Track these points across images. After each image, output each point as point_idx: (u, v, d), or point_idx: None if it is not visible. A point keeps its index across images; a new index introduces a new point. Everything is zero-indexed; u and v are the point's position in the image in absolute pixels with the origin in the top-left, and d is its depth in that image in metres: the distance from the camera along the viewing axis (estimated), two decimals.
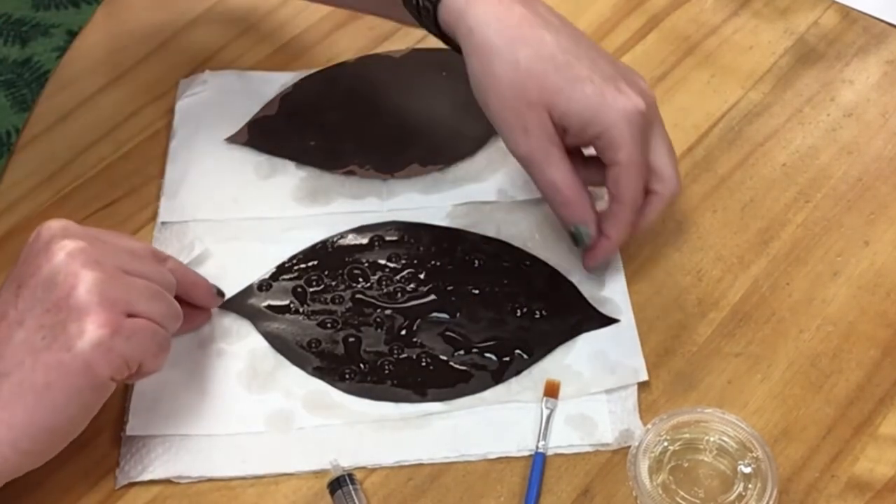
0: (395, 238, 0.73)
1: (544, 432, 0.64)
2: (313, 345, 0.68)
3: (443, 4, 0.67)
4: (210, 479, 0.64)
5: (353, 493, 0.62)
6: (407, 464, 0.64)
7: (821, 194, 0.77)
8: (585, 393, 0.66)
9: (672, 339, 0.69)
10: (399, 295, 0.70)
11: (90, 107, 0.84)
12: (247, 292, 0.70)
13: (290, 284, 0.71)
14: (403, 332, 0.68)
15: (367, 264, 0.72)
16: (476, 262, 0.72)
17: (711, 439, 0.62)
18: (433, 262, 0.72)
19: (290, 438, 0.65)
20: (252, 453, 0.64)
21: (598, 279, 0.71)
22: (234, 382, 0.67)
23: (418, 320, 0.69)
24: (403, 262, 0.72)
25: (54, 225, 0.60)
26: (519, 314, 0.69)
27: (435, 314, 0.69)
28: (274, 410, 0.66)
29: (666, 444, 0.62)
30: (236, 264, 0.72)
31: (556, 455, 0.64)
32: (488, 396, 0.66)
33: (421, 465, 0.64)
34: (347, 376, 0.67)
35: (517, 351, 0.68)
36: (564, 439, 0.64)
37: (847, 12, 0.89)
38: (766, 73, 0.85)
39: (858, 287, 0.72)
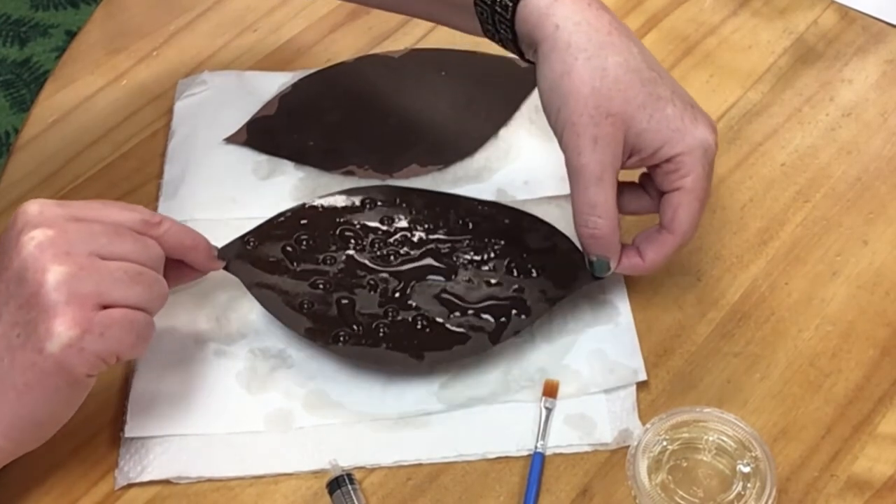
0: (386, 200, 0.72)
1: (543, 432, 0.64)
2: (305, 305, 0.67)
3: (524, 2, 0.64)
4: (209, 480, 0.64)
5: (352, 492, 0.62)
6: (406, 464, 0.64)
7: (820, 194, 0.77)
8: (584, 392, 0.66)
9: (671, 339, 0.69)
10: (392, 258, 0.70)
11: (89, 107, 0.84)
12: (234, 246, 0.68)
13: (280, 243, 0.69)
14: (398, 295, 0.68)
15: (358, 226, 0.71)
16: (470, 223, 0.71)
17: (710, 439, 0.62)
18: (427, 225, 0.71)
19: (290, 438, 0.65)
20: (251, 453, 0.64)
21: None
22: (233, 382, 0.67)
23: (413, 283, 0.68)
24: (396, 225, 0.71)
25: (30, 209, 0.58)
26: (515, 273, 0.69)
27: (430, 277, 0.69)
28: (273, 410, 0.66)
29: (665, 443, 0.62)
30: None
31: (555, 455, 0.64)
32: (486, 395, 0.66)
33: (420, 464, 0.64)
34: (342, 339, 0.66)
35: (514, 311, 0.67)
36: (563, 439, 0.64)
37: (846, 12, 0.89)
38: (765, 72, 0.85)
39: (857, 286, 0.72)
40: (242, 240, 0.69)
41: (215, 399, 0.66)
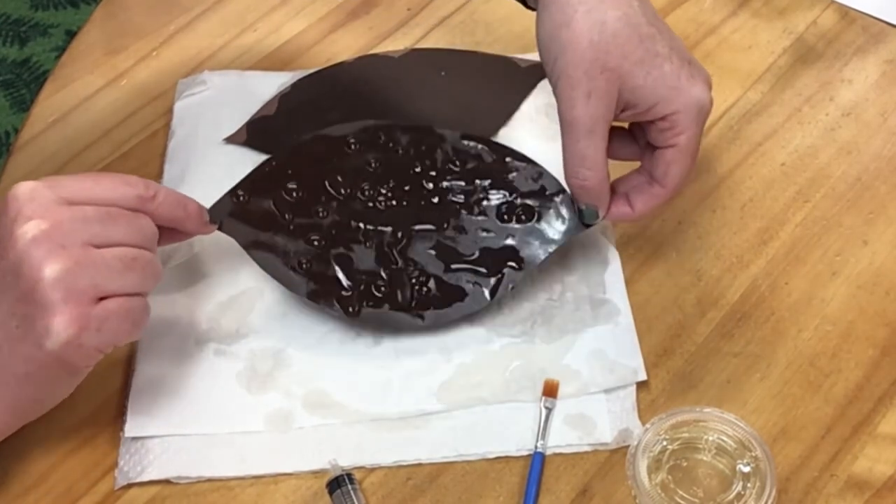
0: (371, 140, 0.71)
1: (543, 432, 0.64)
2: (303, 265, 0.67)
3: None
4: (209, 480, 0.64)
5: (351, 492, 0.62)
6: (406, 463, 0.64)
7: (820, 194, 0.77)
8: (584, 392, 0.66)
9: (671, 339, 0.69)
10: (384, 206, 0.69)
11: (89, 107, 0.84)
12: (224, 203, 0.68)
13: (270, 196, 0.68)
14: (394, 249, 0.68)
15: (347, 172, 0.70)
16: (458, 163, 0.71)
17: (710, 439, 0.62)
18: (415, 169, 0.71)
19: (290, 438, 0.65)
20: (251, 453, 0.64)
21: (598, 279, 0.71)
22: (233, 382, 0.67)
23: (408, 235, 0.68)
24: (385, 168, 0.70)
25: (21, 193, 0.57)
26: (507, 219, 0.69)
27: (422, 226, 0.69)
28: (273, 410, 0.66)
29: (665, 443, 0.62)
30: (234, 263, 0.72)
31: (555, 454, 0.64)
32: (486, 395, 0.66)
33: (420, 464, 0.64)
34: (344, 301, 0.66)
35: (510, 263, 0.68)
36: (563, 439, 0.64)
37: (846, 12, 0.89)
38: (764, 72, 0.85)
39: (857, 286, 0.72)
40: (231, 195, 0.68)
41: (215, 399, 0.66)
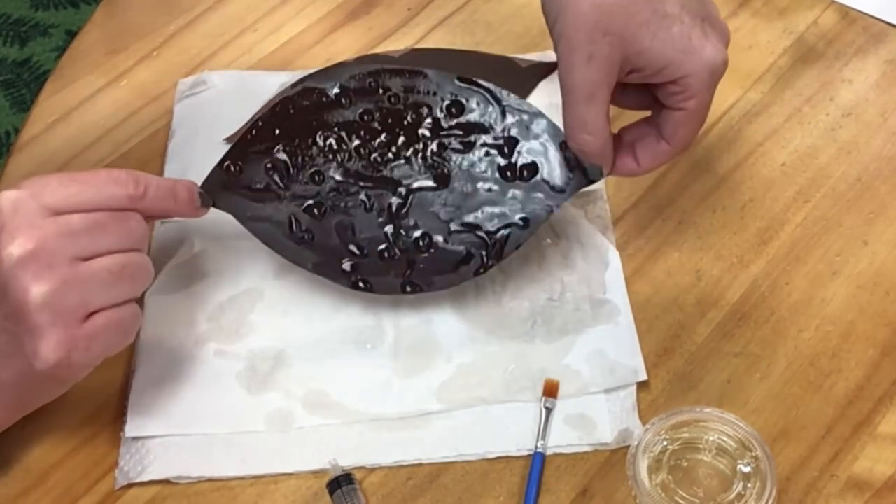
0: (360, 87, 0.68)
1: (543, 432, 0.64)
2: (306, 236, 0.66)
3: None
4: (209, 480, 0.64)
5: (352, 492, 0.62)
6: (406, 463, 0.64)
7: (820, 194, 0.77)
8: (584, 392, 0.66)
9: (671, 339, 0.69)
10: (381, 166, 0.67)
11: (89, 107, 0.84)
12: (215, 177, 0.66)
13: (261, 163, 0.66)
14: (395, 211, 0.67)
15: (338, 128, 0.67)
16: (455, 112, 0.68)
17: (710, 439, 0.62)
18: (408, 120, 0.68)
19: (290, 438, 0.65)
20: (251, 453, 0.64)
21: (598, 279, 0.71)
22: (233, 382, 0.67)
23: (409, 196, 0.67)
24: (378, 121, 0.67)
25: (5, 206, 0.55)
26: (510, 175, 0.67)
27: (422, 183, 0.67)
28: (273, 410, 0.66)
29: (665, 443, 0.62)
30: (234, 263, 0.72)
31: (556, 455, 0.64)
32: (486, 395, 0.66)
33: (420, 464, 0.64)
34: (350, 270, 0.66)
35: (513, 223, 0.67)
36: (563, 439, 0.64)
37: (846, 12, 0.89)
38: (765, 72, 0.85)
39: (858, 286, 0.72)
40: (221, 166, 0.66)
41: (215, 399, 0.66)
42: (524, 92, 0.82)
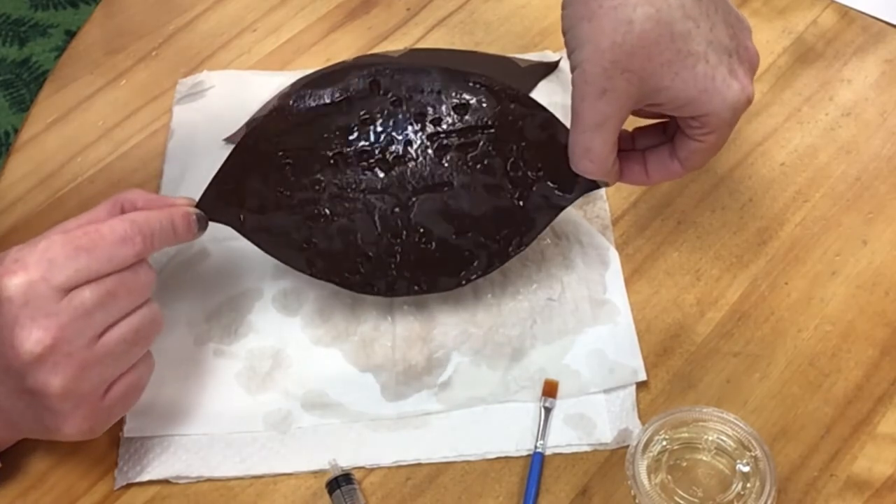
0: (359, 88, 0.66)
1: (543, 432, 0.64)
2: (309, 244, 0.66)
3: None
4: (209, 480, 0.64)
5: (351, 492, 0.62)
6: (405, 463, 0.64)
7: (819, 194, 0.77)
8: (584, 392, 0.66)
9: (671, 339, 0.69)
10: (383, 168, 0.66)
11: (88, 107, 0.84)
12: (213, 193, 0.65)
13: (259, 174, 0.65)
14: (398, 213, 0.66)
15: (338, 132, 0.66)
16: (457, 111, 0.67)
17: (710, 438, 0.62)
18: (411, 121, 0.67)
19: (289, 438, 0.65)
20: (250, 453, 0.64)
21: (598, 279, 0.71)
22: (232, 382, 0.67)
23: (411, 199, 0.66)
24: (378, 122, 0.66)
25: (16, 297, 0.53)
26: (514, 174, 0.66)
27: (425, 185, 0.66)
28: (273, 410, 0.66)
29: (664, 443, 0.62)
30: (234, 263, 0.72)
31: (555, 454, 0.64)
32: (486, 395, 0.66)
33: (419, 464, 0.64)
34: (352, 274, 0.66)
35: (518, 224, 0.66)
36: (563, 439, 0.64)
37: (845, 11, 0.89)
38: (764, 72, 0.85)
39: (857, 286, 0.72)
40: (217, 180, 0.65)
41: (215, 399, 0.66)
42: (524, 92, 0.82)
